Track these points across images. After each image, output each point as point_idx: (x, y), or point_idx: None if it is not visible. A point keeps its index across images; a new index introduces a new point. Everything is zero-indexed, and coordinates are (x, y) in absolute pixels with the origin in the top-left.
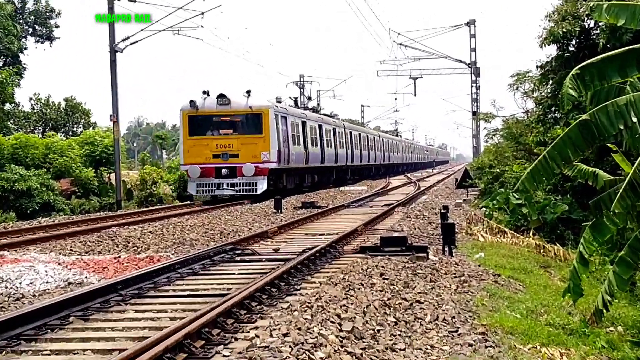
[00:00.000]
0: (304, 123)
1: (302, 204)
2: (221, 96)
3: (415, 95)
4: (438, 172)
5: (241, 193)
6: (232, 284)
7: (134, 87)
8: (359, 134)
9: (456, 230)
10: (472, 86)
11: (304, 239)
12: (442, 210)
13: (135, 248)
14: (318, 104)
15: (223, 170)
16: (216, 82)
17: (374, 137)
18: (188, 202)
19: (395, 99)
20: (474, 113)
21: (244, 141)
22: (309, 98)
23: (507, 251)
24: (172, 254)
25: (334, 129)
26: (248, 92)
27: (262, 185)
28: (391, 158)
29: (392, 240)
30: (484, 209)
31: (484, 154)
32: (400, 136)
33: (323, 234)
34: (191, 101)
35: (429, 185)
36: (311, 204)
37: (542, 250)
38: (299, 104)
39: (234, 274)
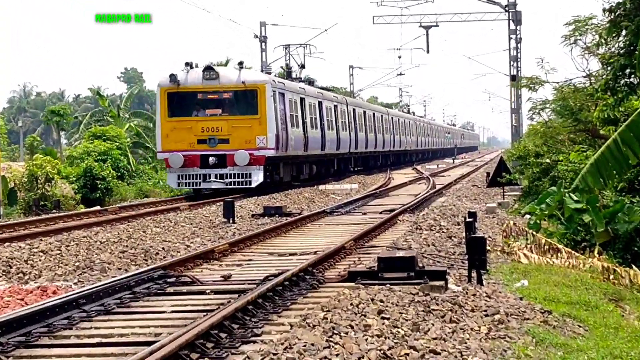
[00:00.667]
0: (302, 100)
1: (265, 209)
2: (208, 69)
3: (428, 52)
4: (461, 163)
5: (232, 186)
6: (162, 326)
7: (19, 41)
8: (364, 112)
9: (488, 247)
10: (510, 39)
11: (267, 261)
12: (468, 219)
13: (21, 275)
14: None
15: (210, 158)
16: (140, 33)
17: (381, 116)
18: (98, 207)
19: (399, 57)
20: (513, 78)
21: (235, 123)
22: (291, 67)
23: (561, 277)
24: (75, 284)
25: (335, 106)
26: (240, 64)
27: (258, 177)
28: (402, 143)
29: (395, 262)
30: (527, 216)
31: (528, 137)
32: (413, 113)
33: (295, 254)
34: (171, 75)
35: (449, 182)
36: (277, 210)
37: (611, 276)
38: (285, 73)
39: (164, 312)
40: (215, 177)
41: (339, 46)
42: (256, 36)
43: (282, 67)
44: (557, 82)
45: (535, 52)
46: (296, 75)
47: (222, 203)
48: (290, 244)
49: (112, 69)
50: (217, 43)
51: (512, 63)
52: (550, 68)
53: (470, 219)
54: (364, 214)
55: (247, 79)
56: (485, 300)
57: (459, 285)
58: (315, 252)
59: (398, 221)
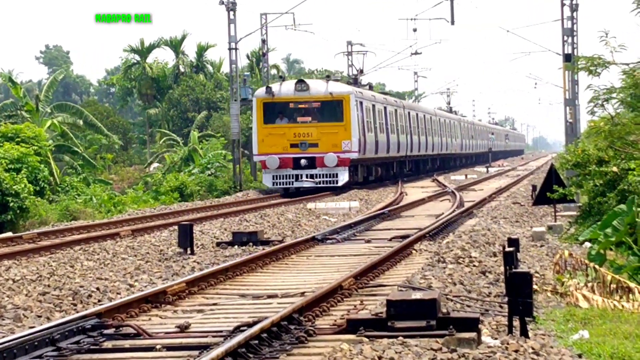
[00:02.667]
0: (373, 106)
1: (234, 236)
2: (300, 82)
3: (452, 23)
4: (498, 172)
5: (321, 185)
6: None
7: None
8: (417, 115)
9: (535, 286)
10: (563, 6)
11: (237, 305)
12: (507, 248)
13: None
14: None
15: (302, 160)
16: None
17: (430, 118)
18: (9, 234)
19: (414, 30)
20: (567, 58)
21: (323, 129)
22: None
23: (634, 327)
24: None
25: (395, 110)
26: (327, 77)
27: (344, 177)
28: (449, 146)
29: (411, 306)
30: (587, 244)
31: (587, 138)
32: (455, 112)
33: (275, 296)
34: (267, 87)
35: (481, 198)
36: (251, 237)
37: None
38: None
39: None
40: (306, 177)
41: (334, 16)
42: (222, 2)
43: (348, 75)
44: (627, 64)
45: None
46: (353, 78)
47: (175, 228)
48: (269, 282)
49: (29, 48)
50: (172, 14)
51: (565, 38)
52: (618, 45)
53: (511, 249)
54: (368, 241)
55: (334, 90)
56: (532, 359)
57: (496, 338)
58: (302, 294)
59: (413, 251)
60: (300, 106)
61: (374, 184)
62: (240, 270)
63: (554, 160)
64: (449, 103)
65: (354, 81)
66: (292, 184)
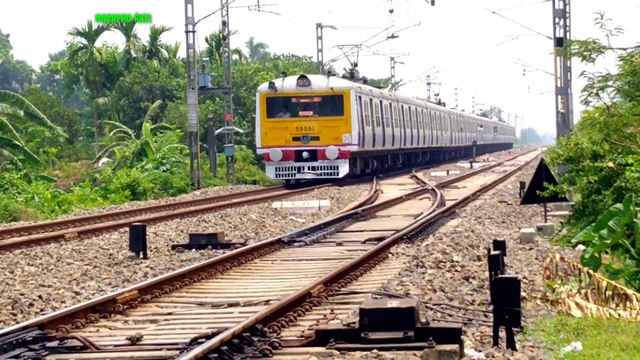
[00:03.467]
0: (370, 101)
1: (191, 238)
2: (302, 77)
3: (432, 3)
4: (483, 167)
5: (322, 177)
6: None
7: None
8: (409, 107)
9: (523, 293)
10: None
11: (195, 315)
12: (493, 252)
13: None
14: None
15: (304, 153)
16: None
17: (421, 110)
18: None
19: (391, 12)
20: (559, 42)
21: (324, 123)
22: None
23: (631, 338)
24: None
25: (390, 103)
26: (328, 72)
27: (344, 169)
28: (439, 139)
29: (386, 316)
30: (580, 247)
31: (581, 130)
32: (444, 104)
33: (236, 304)
34: (270, 82)
35: (465, 196)
36: (210, 239)
37: None
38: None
39: None
40: (308, 169)
41: None
42: None
43: (344, 69)
44: (625, 49)
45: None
46: (349, 72)
47: (127, 230)
48: (230, 289)
49: None
50: None
51: (557, 20)
52: (615, 28)
53: (497, 252)
54: (339, 244)
55: (334, 85)
56: None
57: (480, 351)
58: (267, 302)
59: (390, 255)
60: (302, 101)
61: (366, 177)
62: (198, 276)
63: (544, 155)
64: (437, 94)
65: (350, 75)
66: (295, 176)
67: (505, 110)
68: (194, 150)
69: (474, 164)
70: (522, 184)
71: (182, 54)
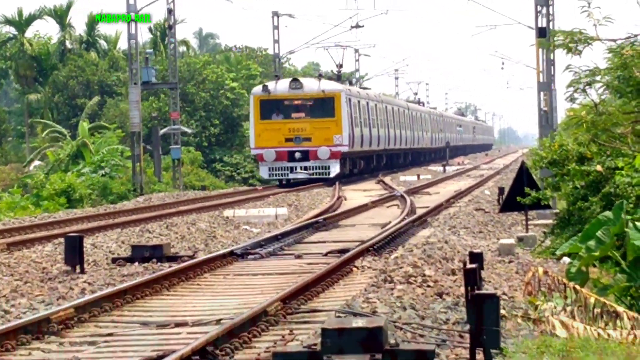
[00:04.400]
0: (358, 102)
1: (134, 250)
2: (294, 80)
3: None
4: (457, 171)
5: (314, 176)
6: None
7: None
8: (392, 108)
9: (503, 311)
10: None
11: (138, 336)
12: (469, 265)
13: None
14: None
15: (296, 153)
16: None
17: (403, 111)
18: None
19: None
20: (541, 32)
21: (316, 125)
22: None
23: None
24: None
25: (375, 104)
26: (319, 75)
27: (335, 169)
28: (420, 140)
29: (350, 336)
30: (566, 260)
31: (566, 130)
32: (423, 104)
33: (184, 324)
34: (264, 85)
35: (437, 203)
36: (155, 252)
37: None
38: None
39: None
40: (300, 169)
41: None
42: None
43: (332, 71)
44: (614, 40)
45: None
46: (336, 74)
47: (62, 241)
48: (177, 307)
49: None
50: None
51: (539, 8)
52: (603, 17)
53: (473, 265)
54: (298, 256)
55: (326, 88)
56: None
57: None
58: (218, 321)
59: (354, 269)
60: (294, 103)
61: (356, 177)
62: (142, 293)
63: (525, 157)
64: (416, 94)
65: (337, 77)
66: (287, 176)
67: (482, 108)
68: (136, 153)
69: (447, 168)
70: (501, 190)
71: (123, 45)
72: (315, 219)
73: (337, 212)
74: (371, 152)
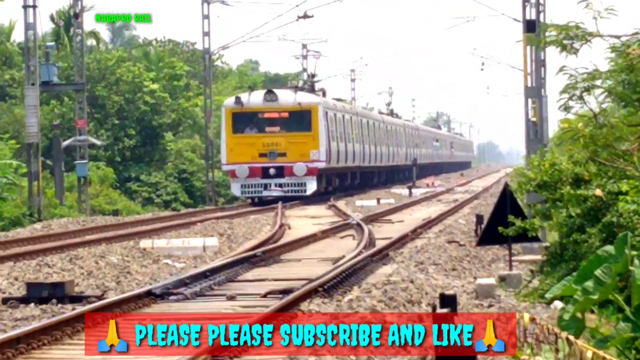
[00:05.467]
0: (334, 115)
1: (29, 289)
2: (269, 92)
3: None
4: (425, 196)
5: (290, 194)
6: None
7: None
8: (367, 122)
9: None
10: None
11: None
12: (439, 310)
13: None
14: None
15: (271, 170)
16: None
17: (379, 125)
18: None
19: None
20: (530, 26)
21: (292, 139)
22: None
23: None
24: None
25: (350, 117)
26: (295, 87)
27: (312, 186)
28: (395, 157)
29: None
30: (558, 304)
31: (559, 145)
32: (396, 115)
33: None
34: (236, 97)
35: (402, 234)
36: (55, 291)
37: None
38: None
39: None
40: (275, 186)
41: None
42: None
43: (303, 80)
44: (618, 36)
45: None
46: (312, 86)
47: None
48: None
49: None
50: None
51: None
52: (605, 9)
53: (445, 310)
54: (231, 298)
55: (302, 100)
56: None
57: None
58: None
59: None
60: (269, 116)
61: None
62: (39, 342)
63: (509, 179)
64: (389, 104)
65: (311, 88)
66: (261, 193)
67: (457, 119)
68: (34, 169)
69: (414, 190)
70: (479, 218)
71: (18, 36)
72: (252, 252)
73: (279, 243)
74: (348, 168)
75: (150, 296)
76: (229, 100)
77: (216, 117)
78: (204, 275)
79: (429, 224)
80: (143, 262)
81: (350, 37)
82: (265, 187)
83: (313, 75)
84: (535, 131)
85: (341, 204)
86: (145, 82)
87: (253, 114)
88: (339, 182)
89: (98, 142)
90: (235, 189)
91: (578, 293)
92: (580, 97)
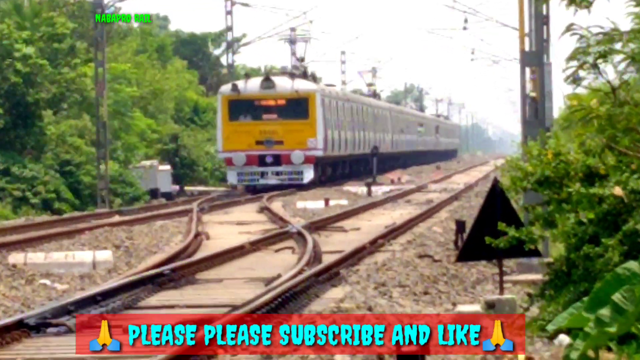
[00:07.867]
0: (330, 102)
1: None
2: (266, 79)
3: None
4: (388, 195)
5: (287, 182)
6: None
7: None
8: (356, 107)
9: None
10: None
11: None
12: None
13: None
14: None
15: (267, 157)
16: None
17: (366, 109)
18: None
19: None
20: None
21: (289, 127)
22: None
23: None
24: None
25: (343, 104)
26: (292, 74)
27: (309, 174)
28: (382, 143)
29: None
30: (564, 339)
31: (565, 129)
32: (379, 96)
33: None
34: (233, 84)
35: (356, 246)
36: None
37: None
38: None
39: None
40: (272, 174)
41: None
42: None
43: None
44: None
45: None
46: (304, 72)
47: None
48: None
49: None
50: None
51: None
52: None
53: (413, 348)
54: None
55: (299, 87)
56: None
57: None
58: None
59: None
60: (265, 103)
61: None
62: None
63: (499, 173)
64: (371, 84)
65: (304, 74)
66: (258, 181)
67: (433, 91)
68: None
69: (373, 188)
70: (461, 226)
71: None
72: (158, 270)
73: (194, 258)
74: (345, 157)
75: (22, 328)
76: (226, 87)
77: (111, 91)
78: (93, 300)
79: (393, 232)
80: (12, 283)
81: (335, 7)
82: (262, 175)
83: (302, 59)
84: (534, 110)
85: (276, 206)
86: (16, 45)
87: (250, 102)
88: (332, 171)
89: None
90: (232, 177)
91: (590, 324)
92: (594, 66)
